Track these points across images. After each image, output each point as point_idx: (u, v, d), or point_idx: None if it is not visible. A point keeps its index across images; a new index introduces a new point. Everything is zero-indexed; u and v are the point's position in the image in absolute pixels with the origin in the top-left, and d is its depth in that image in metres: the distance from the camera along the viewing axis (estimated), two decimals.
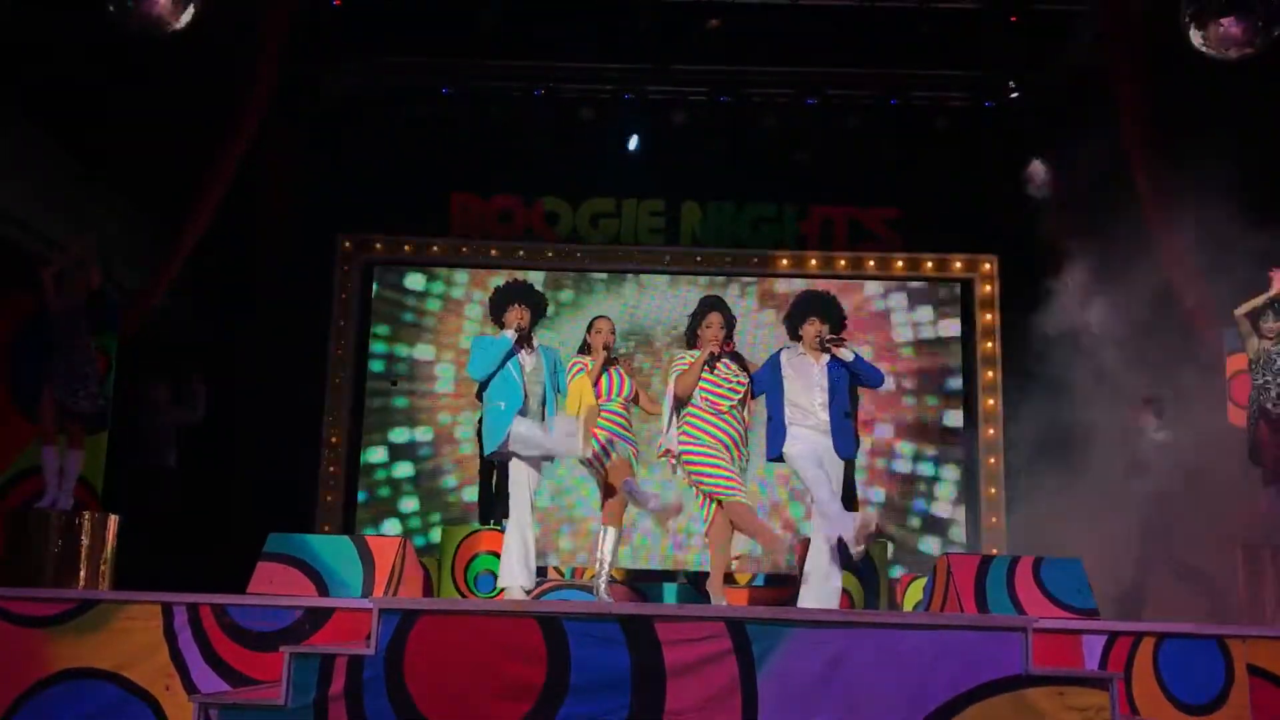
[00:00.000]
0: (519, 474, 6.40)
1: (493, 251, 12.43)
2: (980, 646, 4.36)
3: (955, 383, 12.41)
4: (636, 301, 12.54)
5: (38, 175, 8.93)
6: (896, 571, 10.63)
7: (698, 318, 6.56)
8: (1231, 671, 5.31)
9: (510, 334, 6.48)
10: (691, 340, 6.59)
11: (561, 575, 9.21)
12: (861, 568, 8.65)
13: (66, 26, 8.83)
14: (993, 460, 11.86)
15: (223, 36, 9.33)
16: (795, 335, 6.50)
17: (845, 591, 8.72)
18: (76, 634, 5.30)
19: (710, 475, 6.26)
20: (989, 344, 12.29)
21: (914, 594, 8.57)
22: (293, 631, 5.29)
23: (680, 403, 6.40)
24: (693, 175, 12.27)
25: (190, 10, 7.89)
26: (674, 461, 6.41)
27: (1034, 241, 11.07)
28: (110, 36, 8.14)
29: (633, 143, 12.08)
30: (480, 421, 9.14)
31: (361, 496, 11.94)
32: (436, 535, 8.90)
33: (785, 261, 12.54)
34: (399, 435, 12.17)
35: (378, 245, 12.45)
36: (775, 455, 6.28)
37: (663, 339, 12.23)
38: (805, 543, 6.58)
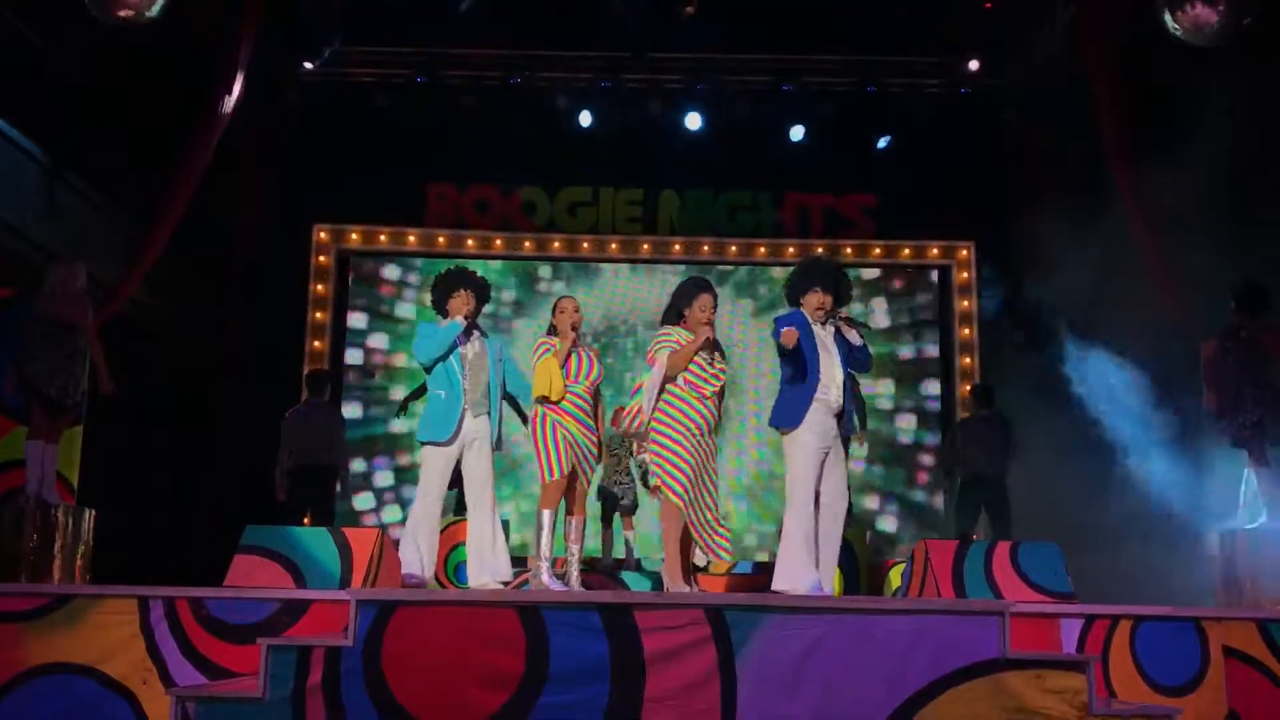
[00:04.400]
0: (439, 464, 6.43)
1: (469, 242, 12.40)
2: (958, 631, 4.37)
3: (932, 368, 12.49)
4: (614, 290, 12.53)
5: (9, 168, 8.84)
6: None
7: (687, 297, 6.20)
8: (1207, 653, 5.35)
9: (460, 321, 6.47)
10: (675, 317, 6.23)
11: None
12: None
13: (38, 17, 8.77)
14: None
15: (196, 27, 9.27)
16: (795, 302, 6.15)
17: None
18: (53, 629, 5.26)
19: (668, 461, 5.95)
20: (966, 330, 12.35)
21: (893, 580, 8.59)
22: (270, 624, 5.27)
23: (666, 381, 6.05)
24: (670, 164, 12.26)
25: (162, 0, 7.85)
26: (635, 437, 6.15)
27: (1011, 228, 11.11)
28: (83, 27, 8.08)
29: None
30: (405, 402, 9.27)
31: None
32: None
33: (763, 249, 12.58)
34: (378, 428, 12.14)
35: (353, 236, 12.42)
36: (792, 425, 5.90)
37: (642, 327, 12.22)
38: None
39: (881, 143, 12.04)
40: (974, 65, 11.25)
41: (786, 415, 5.94)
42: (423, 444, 6.51)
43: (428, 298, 6.84)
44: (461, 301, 6.53)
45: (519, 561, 8.98)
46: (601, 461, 6.72)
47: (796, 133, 11.90)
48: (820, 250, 12.44)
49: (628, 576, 9.42)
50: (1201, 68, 8.25)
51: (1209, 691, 5.31)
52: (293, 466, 9.21)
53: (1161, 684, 5.34)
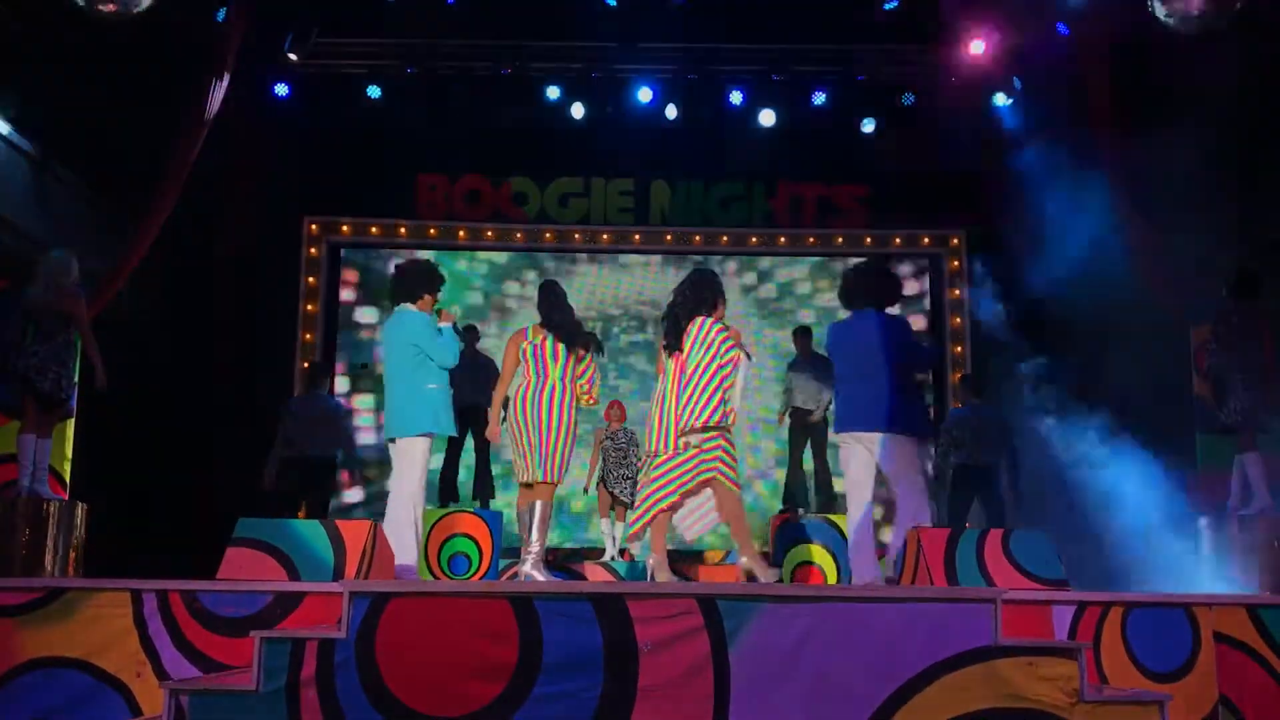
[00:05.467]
0: (425, 455, 6.52)
1: (460, 233, 12.38)
2: (950, 618, 4.38)
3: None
4: (605, 281, 12.52)
5: None
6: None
7: (718, 290, 6.22)
8: (1198, 639, 5.37)
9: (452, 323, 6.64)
10: (709, 310, 6.18)
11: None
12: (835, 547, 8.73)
13: (25, 9, 8.72)
14: None
15: (186, 19, 9.23)
16: (874, 305, 6.37)
17: (818, 567, 8.80)
18: (46, 622, 5.24)
19: (728, 453, 6.12)
20: (957, 318, 12.36)
21: (884, 568, 8.60)
22: (264, 616, 5.25)
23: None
24: (661, 154, 12.24)
25: None
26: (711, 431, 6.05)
27: (1003, 216, 11.10)
28: (71, 19, 8.05)
29: None
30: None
31: None
32: None
33: (755, 239, 12.58)
34: (369, 420, 12.12)
35: (344, 228, 12.40)
36: (926, 432, 6.21)
37: (633, 318, 12.21)
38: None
39: (868, 126, 11.93)
40: (977, 50, 11.09)
41: (922, 417, 6.30)
42: (416, 434, 6.48)
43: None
44: (433, 300, 6.59)
45: (512, 553, 9.00)
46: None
47: (775, 119, 11.79)
48: (812, 241, 12.50)
49: (621, 567, 9.45)
50: (1193, 50, 8.25)
51: (1200, 677, 5.33)
52: (289, 457, 9.20)
53: (1153, 670, 5.35)
